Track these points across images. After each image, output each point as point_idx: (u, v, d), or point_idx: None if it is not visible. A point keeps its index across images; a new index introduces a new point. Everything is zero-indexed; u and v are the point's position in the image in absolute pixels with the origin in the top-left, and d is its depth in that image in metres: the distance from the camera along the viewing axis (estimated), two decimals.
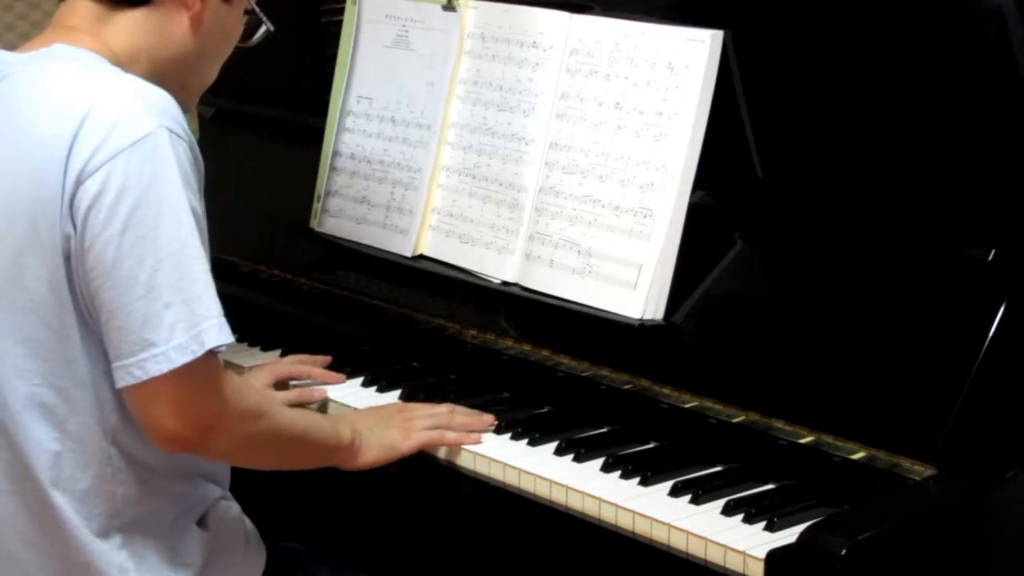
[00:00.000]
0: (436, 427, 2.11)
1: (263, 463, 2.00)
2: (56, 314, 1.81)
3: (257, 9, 2.08)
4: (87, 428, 1.84)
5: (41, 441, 1.84)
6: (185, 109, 1.92)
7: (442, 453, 2.12)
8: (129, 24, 1.92)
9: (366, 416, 2.12)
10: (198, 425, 1.81)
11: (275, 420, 1.93)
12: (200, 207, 1.82)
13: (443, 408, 2.16)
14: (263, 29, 2.11)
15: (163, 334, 1.76)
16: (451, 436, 2.11)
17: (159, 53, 1.93)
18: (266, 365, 2.35)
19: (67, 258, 1.79)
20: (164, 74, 1.92)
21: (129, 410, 1.83)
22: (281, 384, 2.32)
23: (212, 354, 1.79)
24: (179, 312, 1.76)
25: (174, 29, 1.94)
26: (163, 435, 1.81)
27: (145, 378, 1.77)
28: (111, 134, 1.76)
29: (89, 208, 1.76)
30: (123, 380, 1.79)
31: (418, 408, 2.16)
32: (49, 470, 1.84)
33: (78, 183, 1.76)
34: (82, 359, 1.82)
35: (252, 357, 2.45)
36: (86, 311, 1.81)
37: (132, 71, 1.89)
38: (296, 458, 2.02)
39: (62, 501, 1.84)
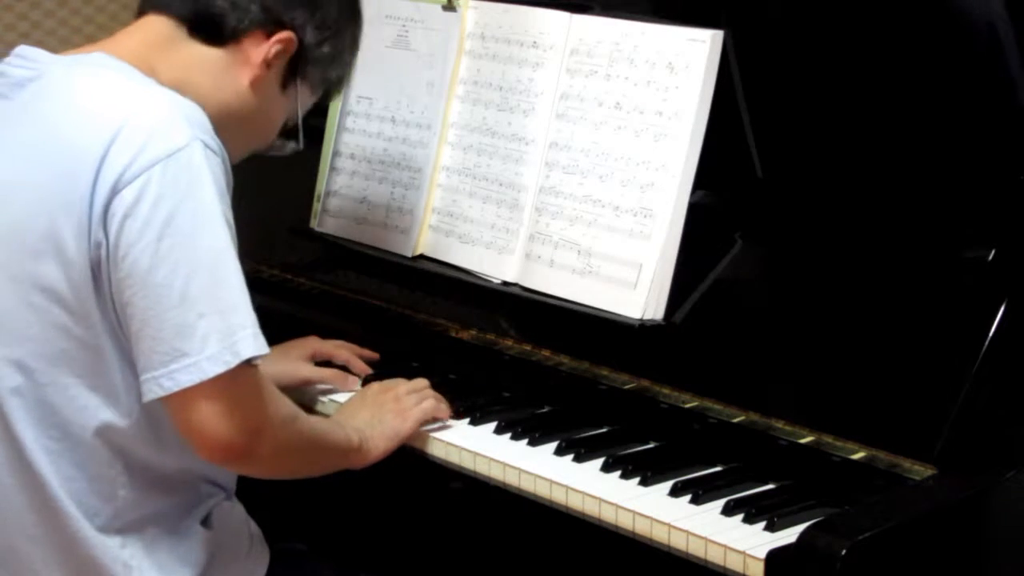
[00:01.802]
0: (423, 399, 2.14)
1: (295, 470, 2.00)
2: (70, 312, 1.80)
3: (300, 127, 2.07)
4: (86, 430, 1.84)
5: (40, 439, 1.84)
6: None
7: (440, 451, 2.12)
8: (193, 57, 1.92)
9: (358, 410, 2.12)
10: (246, 431, 1.80)
11: (306, 424, 1.94)
12: (232, 220, 1.82)
13: (420, 381, 2.18)
14: (292, 144, 2.10)
15: (196, 344, 1.75)
16: (444, 408, 2.15)
17: (207, 97, 1.91)
18: (309, 339, 2.34)
19: (95, 265, 1.78)
20: None
21: (146, 416, 1.83)
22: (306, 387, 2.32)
23: (251, 363, 1.79)
24: (213, 322, 1.75)
25: (231, 81, 1.94)
26: (212, 444, 1.80)
27: (175, 389, 1.76)
28: (148, 144, 1.76)
29: (125, 217, 1.75)
30: (152, 392, 1.78)
31: (399, 385, 2.16)
32: (49, 467, 1.84)
33: (114, 192, 1.75)
34: (90, 359, 1.82)
35: None
36: (115, 320, 1.80)
37: None
38: (322, 463, 2.02)
39: (64, 499, 1.84)
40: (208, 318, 1.75)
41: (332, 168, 2.54)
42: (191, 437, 1.81)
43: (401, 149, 2.45)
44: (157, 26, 1.93)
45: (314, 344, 2.33)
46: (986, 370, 1.82)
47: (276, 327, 2.49)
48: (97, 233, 1.77)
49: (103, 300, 1.79)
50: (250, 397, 1.81)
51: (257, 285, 2.60)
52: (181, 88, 1.89)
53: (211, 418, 1.78)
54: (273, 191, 2.70)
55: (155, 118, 1.78)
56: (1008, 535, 1.84)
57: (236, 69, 1.94)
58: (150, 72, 1.89)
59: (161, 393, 1.77)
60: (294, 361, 2.29)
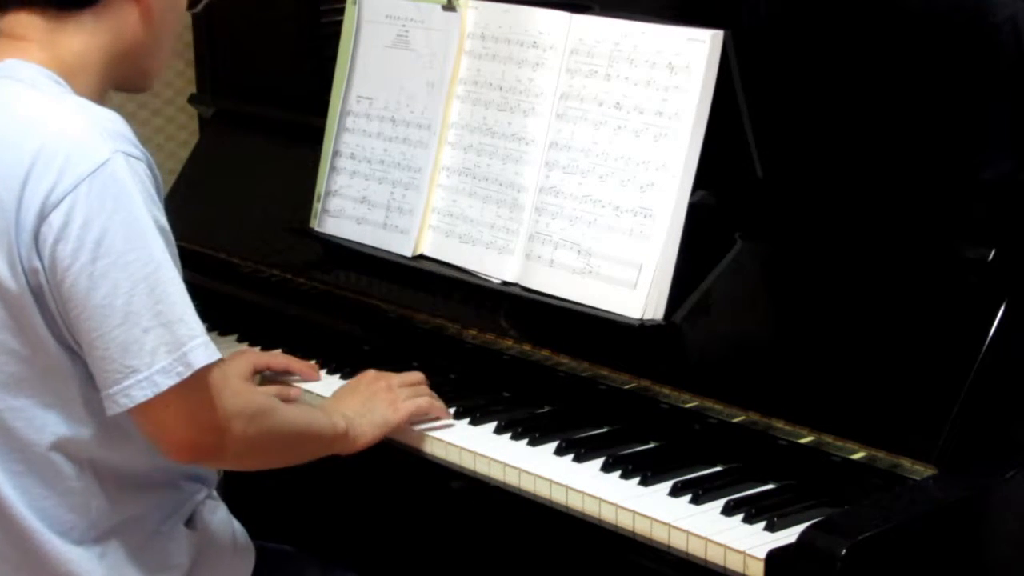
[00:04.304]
0: (418, 395, 2.15)
1: (273, 461, 2.00)
2: (16, 335, 1.79)
3: None
4: (46, 448, 1.82)
5: (3, 461, 1.82)
6: (146, 89, 1.91)
7: (440, 451, 2.12)
8: (80, 28, 1.87)
9: (351, 399, 2.13)
10: (210, 430, 1.81)
11: (281, 416, 1.93)
12: (166, 223, 1.80)
13: (415, 375, 2.19)
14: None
15: (145, 359, 1.74)
16: (438, 403, 2.16)
17: (114, 50, 1.89)
18: (244, 353, 2.34)
19: (36, 290, 1.76)
20: (122, 67, 1.89)
21: (112, 422, 1.82)
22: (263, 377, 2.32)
23: (208, 368, 1.78)
24: (159, 335, 1.74)
25: (126, 23, 1.90)
26: (179, 447, 1.81)
27: (131, 405, 1.75)
28: (68, 165, 1.74)
29: (56, 242, 1.73)
30: (111, 409, 1.77)
31: (393, 376, 2.17)
32: (13, 490, 1.82)
33: (41, 217, 1.74)
34: (42, 378, 1.80)
35: None
36: (69, 336, 1.78)
37: (87, 75, 1.86)
38: (302, 452, 2.02)
39: (33, 519, 1.82)
40: (154, 332, 1.74)
41: (332, 168, 2.54)
42: (157, 443, 1.82)
43: (401, 149, 2.45)
44: (28, 22, 1.87)
45: (252, 358, 2.32)
46: (986, 370, 1.82)
47: (276, 327, 2.51)
48: (31, 260, 1.75)
49: (51, 320, 1.78)
50: (211, 399, 1.80)
51: (257, 285, 2.63)
52: (88, 62, 1.87)
53: (174, 424, 1.79)
54: (273, 191, 2.70)
55: (72, 136, 1.76)
56: (1008, 535, 1.84)
57: (122, 13, 1.89)
58: (60, 66, 1.85)
59: (119, 409, 1.76)
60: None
